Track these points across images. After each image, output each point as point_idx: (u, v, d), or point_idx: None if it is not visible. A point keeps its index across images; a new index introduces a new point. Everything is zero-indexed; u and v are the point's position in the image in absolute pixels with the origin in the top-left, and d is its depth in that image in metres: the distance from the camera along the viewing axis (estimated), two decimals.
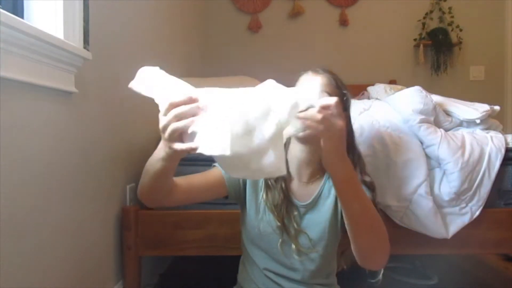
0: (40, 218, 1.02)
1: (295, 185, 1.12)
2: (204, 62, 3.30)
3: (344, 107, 1.04)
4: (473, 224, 1.44)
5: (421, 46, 3.37)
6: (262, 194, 1.10)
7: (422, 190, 1.41)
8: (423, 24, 3.41)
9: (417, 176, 1.41)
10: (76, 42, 1.14)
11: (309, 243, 1.08)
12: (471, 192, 1.43)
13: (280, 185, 1.08)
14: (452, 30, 3.39)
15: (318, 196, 1.10)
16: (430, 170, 1.45)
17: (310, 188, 1.11)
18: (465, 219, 1.44)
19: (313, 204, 1.10)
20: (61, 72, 1.09)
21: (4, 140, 0.87)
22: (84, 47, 1.18)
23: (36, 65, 0.99)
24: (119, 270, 1.49)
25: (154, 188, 0.93)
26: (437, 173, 1.45)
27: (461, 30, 3.37)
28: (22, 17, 1.06)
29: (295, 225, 1.08)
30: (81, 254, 1.23)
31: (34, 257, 0.99)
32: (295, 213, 1.09)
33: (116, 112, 1.48)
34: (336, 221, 1.09)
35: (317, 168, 1.10)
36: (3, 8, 0.86)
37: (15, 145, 0.92)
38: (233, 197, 1.12)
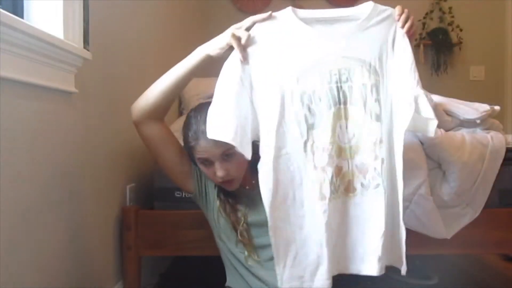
0: (40, 218, 1.02)
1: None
2: None
3: None
4: (473, 224, 1.43)
5: (421, 46, 3.37)
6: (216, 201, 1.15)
7: (422, 190, 1.40)
8: (423, 24, 3.41)
9: (417, 176, 1.41)
10: (76, 42, 1.14)
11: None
12: (471, 192, 1.42)
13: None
14: (452, 30, 3.38)
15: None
16: (430, 170, 1.45)
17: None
18: (465, 219, 1.44)
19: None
20: (61, 72, 1.09)
21: (4, 140, 0.87)
22: (84, 47, 1.18)
23: (36, 65, 0.99)
24: (119, 270, 1.49)
25: (164, 99, 1.01)
26: (437, 173, 1.45)
27: (461, 30, 3.36)
28: (22, 17, 1.06)
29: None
30: (81, 254, 1.23)
31: (34, 257, 0.99)
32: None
33: (116, 112, 1.47)
34: None
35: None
36: (3, 8, 0.86)
37: (15, 145, 0.92)
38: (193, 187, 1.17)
